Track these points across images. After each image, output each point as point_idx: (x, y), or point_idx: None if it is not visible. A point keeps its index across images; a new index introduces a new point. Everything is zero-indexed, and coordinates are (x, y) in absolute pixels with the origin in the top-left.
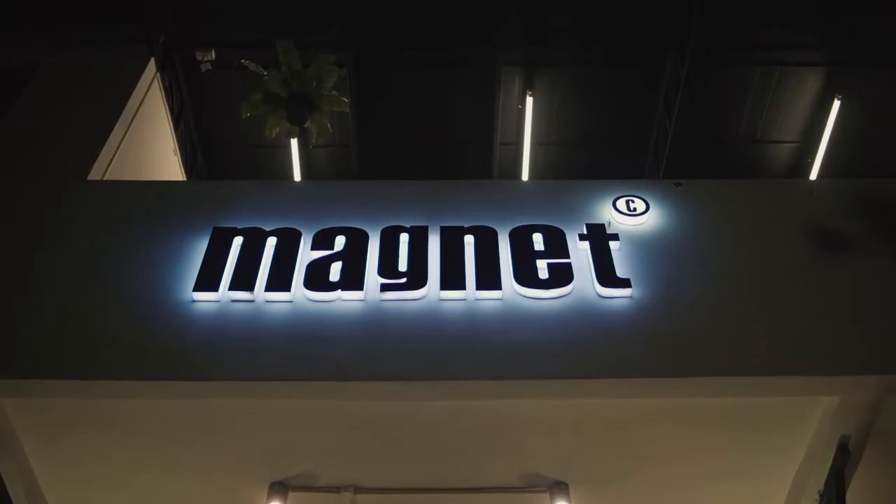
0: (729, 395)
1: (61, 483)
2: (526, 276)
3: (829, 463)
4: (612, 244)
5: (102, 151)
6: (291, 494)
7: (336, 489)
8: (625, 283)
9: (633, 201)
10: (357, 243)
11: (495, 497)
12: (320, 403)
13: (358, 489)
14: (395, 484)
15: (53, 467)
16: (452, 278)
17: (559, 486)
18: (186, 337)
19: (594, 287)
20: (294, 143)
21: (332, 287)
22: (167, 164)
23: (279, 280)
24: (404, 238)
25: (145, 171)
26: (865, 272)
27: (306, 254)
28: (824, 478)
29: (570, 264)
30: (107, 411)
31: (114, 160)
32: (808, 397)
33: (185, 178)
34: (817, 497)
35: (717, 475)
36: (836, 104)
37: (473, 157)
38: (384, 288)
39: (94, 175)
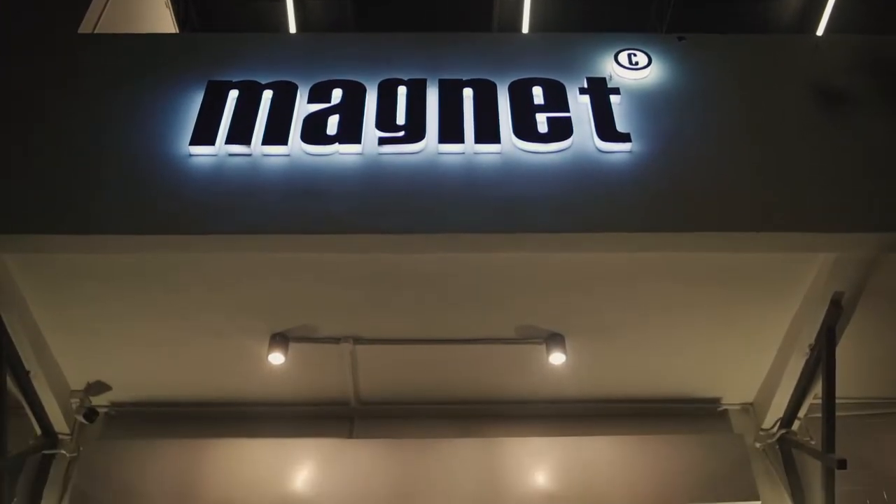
0: (726, 251)
1: (65, 336)
2: (525, 129)
3: (822, 318)
4: (613, 98)
5: (92, 4)
6: (292, 345)
7: (336, 340)
8: (625, 138)
9: (635, 55)
10: (354, 96)
11: (492, 348)
12: (318, 257)
13: (357, 340)
14: (393, 335)
15: (57, 321)
16: (451, 131)
17: (555, 338)
18: (184, 191)
19: (594, 141)
20: None
21: (329, 140)
22: (159, 17)
23: (276, 133)
24: (402, 91)
25: (136, 24)
26: (867, 130)
27: (303, 107)
28: (816, 332)
29: (569, 118)
30: (107, 266)
31: (104, 13)
32: (804, 254)
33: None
34: (808, 351)
35: (711, 328)
36: None
37: (473, 9)
38: (382, 141)
39: (84, 29)
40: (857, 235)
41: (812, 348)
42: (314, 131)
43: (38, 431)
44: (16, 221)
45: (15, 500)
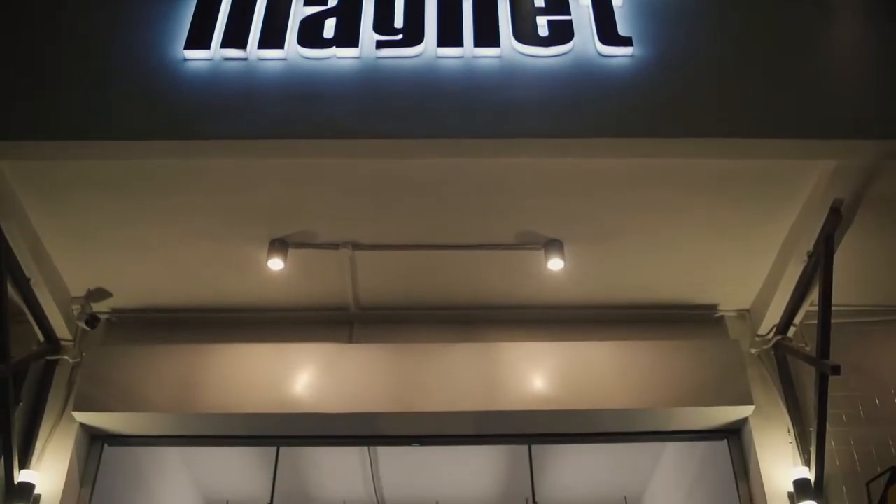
0: (727, 157)
1: (65, 243)
2: (525, 32)
3: (821, 225)
4: (615, 1)
5: None
6: (291, 251)
7: (335, 246)
8: (626, 42)
9: None
10: None
11: (491, 254)
12: (317, 162)
13: (356, 246)
14: (392, 241)
15: (56, 228)
16: (450, 35)
17: (554, 244)
18: (179, 96)
19: (595, 45)
20: None
21: (326, 44)
22: None
23: (272, 37)
24: None
25: None
26: (872, 38)
27: (299, 9)
28: (814, 240)
29: (570, 21)
30: (104, 172)
31: None
32: (804, 161)
33: None
34: (806, 258)
35: (710, 235)
36: None
37: None
38: (380, 45)
39: None
40: (857, 142)
41: (810, 255)
42: (311, 34)
43: (41, 338)
44: (13, 128)
45: (21, 403)
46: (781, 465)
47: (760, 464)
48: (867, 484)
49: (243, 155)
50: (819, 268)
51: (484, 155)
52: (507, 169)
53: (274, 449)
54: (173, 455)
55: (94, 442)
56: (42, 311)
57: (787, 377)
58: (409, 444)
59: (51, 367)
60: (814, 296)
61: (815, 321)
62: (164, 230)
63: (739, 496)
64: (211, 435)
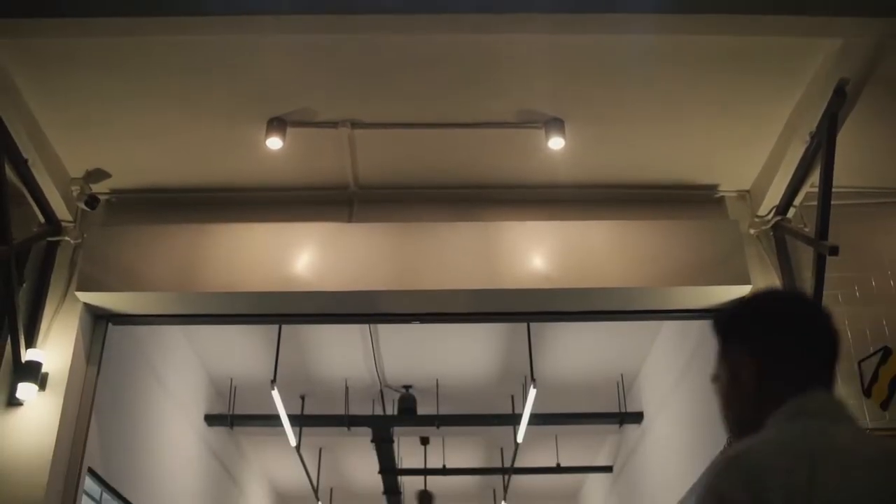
0: (731, 34)
1: (62, 124)
2: None
3: (825, 106)
4: None
5: None
6: (290, 130)
7: (333, 124)
8: None
9: None
10: None
11: (492, 133)
12: (315, 38)
13: (355, 124)
14: (392, 119)
15: (52, 109)
16: None
17: (554, 122)
18: None
19: None
20: None
21: None
22: None
23: None
24: None
25: None
26: None
27: None
28: (817, 120)
29: None
30: (101, 51)
31: None
32: (810, 38)
33: None
34: (808, 138)
35: (712, 113)
36: None
37: None
38: None
39: None
40: (865, 20)
41: (812, 136)
42: None
43: (42, 219)
44: (10, 4)
45: (24, 284)
46: None
47: None
48: (859, 363)
49: (243, 31)
50: (821, 149)
51: (485, 31)
52: (508, 45)
53: (276, 327)
54: (177, 335)
55: (98, 321)
56: (41, 192)
57: (786, 258)
58: (409, 321)
59: (52, 249)
60: (814, 177)
61: (815, 203)
62: (162, 109)
63: None
64: (213, 314)
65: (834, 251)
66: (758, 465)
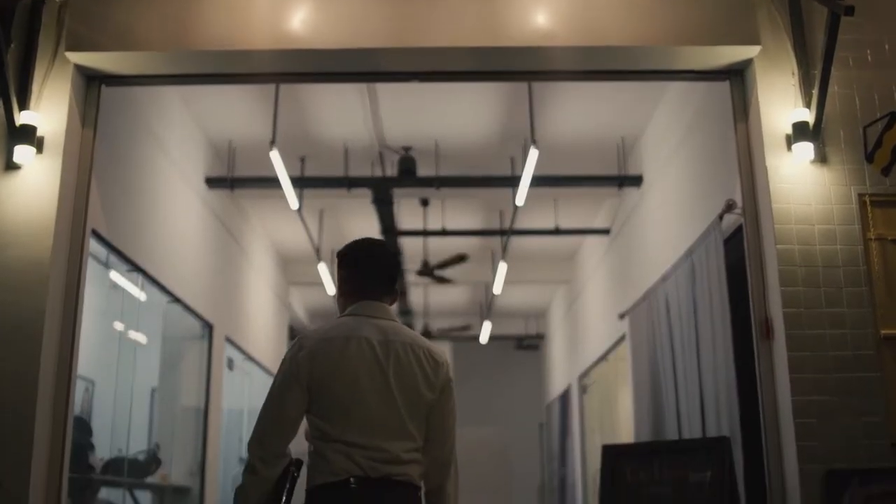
0: None
1: None
2: None
3: None
4: None
5: None
6: None
7: None
8: None
9: None
10: None
11: None
12: None
13: None
14: None
15: None
16: None
17: None
18: None
19: None
20: None
21: None
22: None
23: None
24: None
25: None
26: None
27: None
28: None
29: None
30: None
31: None
32: None
33: None
34: None
35: None
36: None
37: None
38: None
39: None
40: None
41: None
42: None
43: None
44: None
45: (12, 45)
46: (782, 108)
47: (761, 106)
48: (864, 128)
49: None
50: None
51: None
52: None
53: (273, 88)
54: (174, 96)
55: (90, 83)
56: None
57: (798, 17)
58: (408, 80)
59: (38, 7)
60: None
61: None
62: None
63: (737, 138)
64: (208, 73)
65: (849, 11)
66: (308, 338)
